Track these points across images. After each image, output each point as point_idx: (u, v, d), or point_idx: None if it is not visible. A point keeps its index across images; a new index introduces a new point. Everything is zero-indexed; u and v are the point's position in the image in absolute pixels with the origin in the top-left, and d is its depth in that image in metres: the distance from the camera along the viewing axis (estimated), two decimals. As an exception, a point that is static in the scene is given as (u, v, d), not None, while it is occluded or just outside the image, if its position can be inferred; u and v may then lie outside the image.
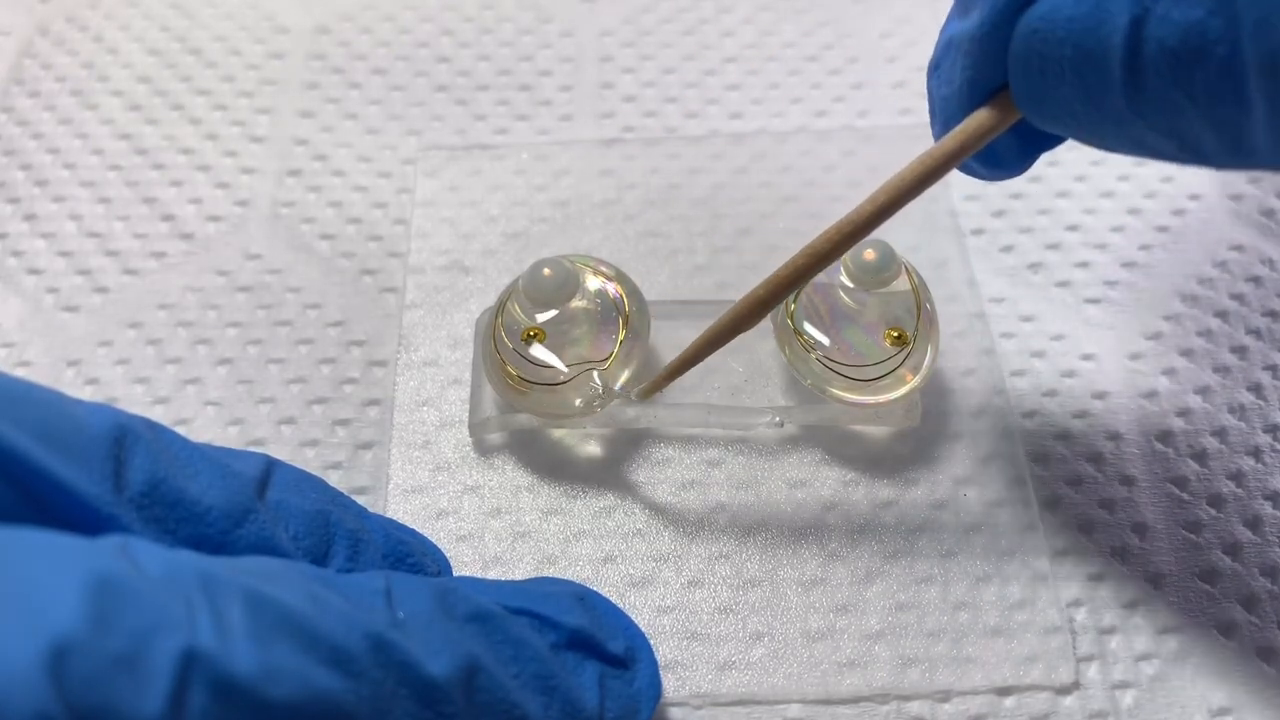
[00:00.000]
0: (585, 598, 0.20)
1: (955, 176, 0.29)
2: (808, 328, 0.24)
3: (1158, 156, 0.18)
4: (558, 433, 0.25)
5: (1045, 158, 0.29)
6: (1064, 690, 0.22)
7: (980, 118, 0.19)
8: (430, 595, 0.17)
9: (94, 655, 0.12)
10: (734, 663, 0.22)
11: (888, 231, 0.28)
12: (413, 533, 0.22)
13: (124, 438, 0.17)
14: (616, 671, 0.20)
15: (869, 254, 0.23)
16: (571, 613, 0.19)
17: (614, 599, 0.23)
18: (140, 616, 0.13)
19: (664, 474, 0.25)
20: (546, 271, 0.23)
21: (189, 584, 0.14)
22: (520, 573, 0.23)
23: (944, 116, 0.20)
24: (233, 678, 0.13)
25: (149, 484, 0.17)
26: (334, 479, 0.24)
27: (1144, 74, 0.16)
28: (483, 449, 0.25)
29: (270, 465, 0.19)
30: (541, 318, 0.24)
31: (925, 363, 0.24)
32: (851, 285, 0.24)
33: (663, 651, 0.22)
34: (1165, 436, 0.25)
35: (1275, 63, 0.14)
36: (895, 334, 0.23)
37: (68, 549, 0.13)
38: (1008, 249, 0.28)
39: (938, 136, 0.20)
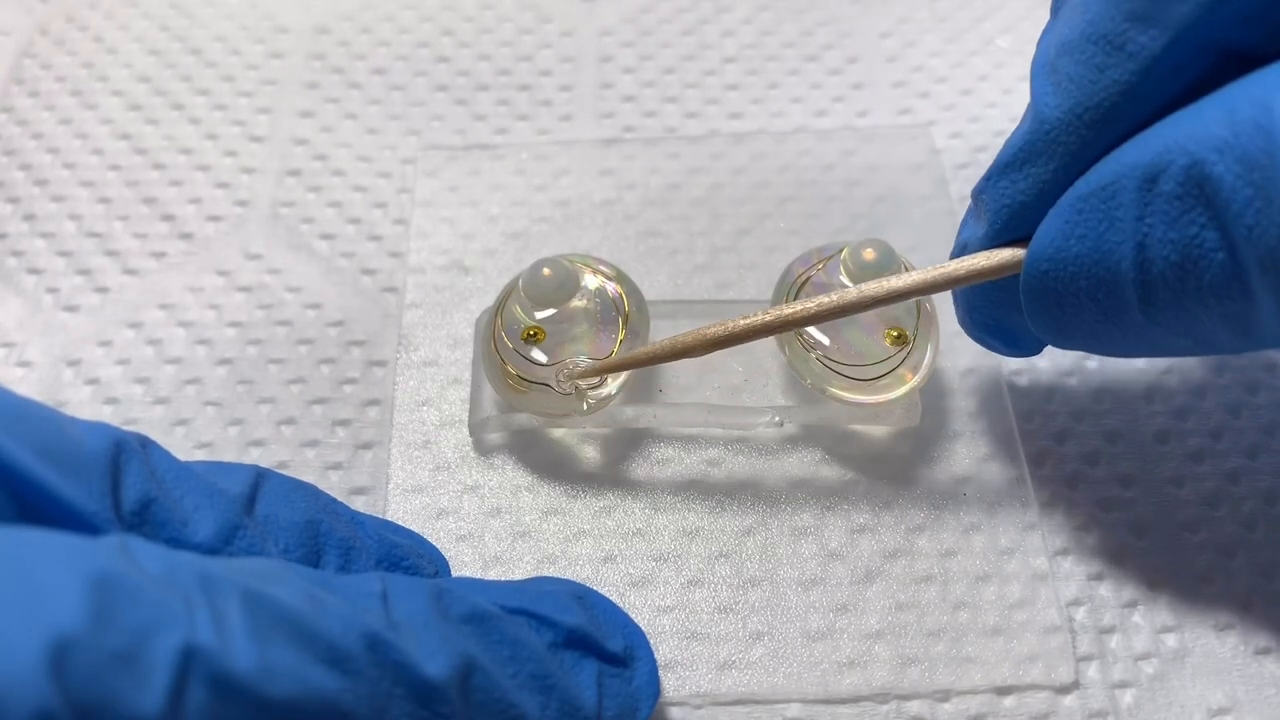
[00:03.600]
0: (583, 596, 0.21)
1: (955, 176, 0.29)
2: (808, 327, 0.24)
3: (1174, 354, 0.19)
4: (558, 433, 0.25)
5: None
6: (1064, 690, 0.22)
7: (982, 264, 0.20)
8: (426, 596, 0.17)
9: (94, 651, 0.12)
10: (734, 662, 0.22)
11: (888, 231, 0.28)
12: (410, 534, 0.22)
13: (119, 456, 0.17)
14: (615, 670, 0.20)
15: (869, 254, 0.23)
16: (569, 611, 0.19)
17: (614, 599, 0.23)
18: (140, 613, 0.13)
19: (664, 474, 0.25)
20: (546, 271, 0.23)
21: (188, 582, 0.14)
22: (520, 572, 0.23)
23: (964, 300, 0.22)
24: (231, 675, 0.13)
25: (140, 503, 0.17)
26: (334, 479, 0.24)
27: (1155, 289, 0.18)
28: (483, 449, 0.25)
29: (259, 478, 0.19)
30: (541, 317, 0.24)
31: (925, 362, 0.24)
32: (851, 285, 0.24)
33: (662, 651, 0.22)
34: (1164, 436, 0.25)
35: (1271, 261, 0.16)
36: (895, 334, 0.23)
37: (68, 547, 0.13)
38: (1007, 249, 0.28)
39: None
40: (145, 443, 0.18)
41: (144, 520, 0.17)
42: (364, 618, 0.16)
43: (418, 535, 0.23)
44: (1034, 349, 0.22)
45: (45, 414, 0.17)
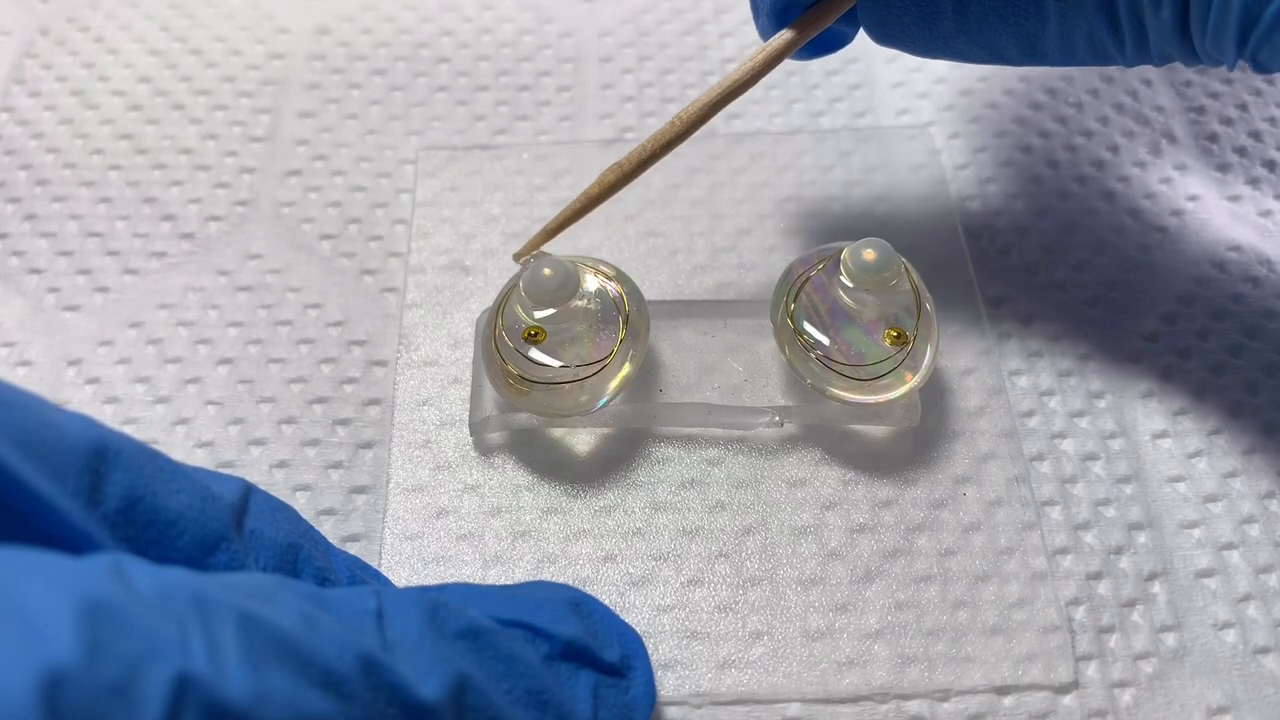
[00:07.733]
0: (581, 604, 0.20)
1: (954, 176, 0.29)
2: (808, 327, 0.24)
3: (967, 60, 0.23)
4: (558, 432, 0.25)
5: (1044, 159, 0.30)
6: (1063, 689, 0.22)
7: (788, 36, 0.24)
8: (421, 613, 0.17)
9: (87, 684, 0.12)
10: (733, 661, 0.22)
11: (888, 231, 0.28)
12: (375, 573, 0.22)
13: (105, 452, 0.16)
14: (611, 680, 0.20)
15: (869, 254, 0.23)
16: (566, 622, 0.19)
17: (614, 598, 0.23)
18: (133, 643, 0.13)
19: (664, 473, 0.25)
20: (546, 271, 0.23)
21: (182, 606, 0.14)
22: (520, 572, 0.23)
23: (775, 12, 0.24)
24: (225, 703, 0.13)
25: (126, 502, 0.16)
26: (335, 478, 0.24)
27: (969, 4, 0.22)
28: (483, 448, 0.25)
29: (248, 492, 0.19)
30: (541, 317, 0.24)
31: (925, 362, 0.24)
32: (851, 285, 0.24)
33: (662, 650, 0.22)
34: (1163, 435, 0.25)
35: None
36: (895, 334, 0.24)
37: (59, 571, 0.13)
38: (1007, 250, 0.28)
39: (764, 32, 0.24)
40: (140, 446, 0.17)
41: (128, 520, 0.16)
42: (358, 638, 0.15)
43: (382, 575, 0.22)
44: (835, 48, 0.25)
45: (28, 401, 0.16)
